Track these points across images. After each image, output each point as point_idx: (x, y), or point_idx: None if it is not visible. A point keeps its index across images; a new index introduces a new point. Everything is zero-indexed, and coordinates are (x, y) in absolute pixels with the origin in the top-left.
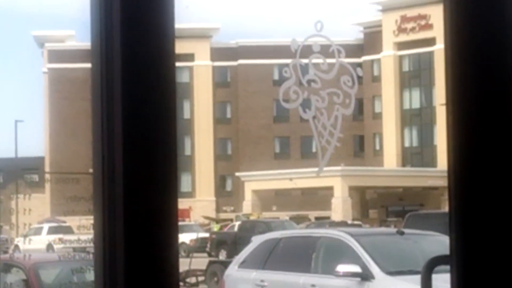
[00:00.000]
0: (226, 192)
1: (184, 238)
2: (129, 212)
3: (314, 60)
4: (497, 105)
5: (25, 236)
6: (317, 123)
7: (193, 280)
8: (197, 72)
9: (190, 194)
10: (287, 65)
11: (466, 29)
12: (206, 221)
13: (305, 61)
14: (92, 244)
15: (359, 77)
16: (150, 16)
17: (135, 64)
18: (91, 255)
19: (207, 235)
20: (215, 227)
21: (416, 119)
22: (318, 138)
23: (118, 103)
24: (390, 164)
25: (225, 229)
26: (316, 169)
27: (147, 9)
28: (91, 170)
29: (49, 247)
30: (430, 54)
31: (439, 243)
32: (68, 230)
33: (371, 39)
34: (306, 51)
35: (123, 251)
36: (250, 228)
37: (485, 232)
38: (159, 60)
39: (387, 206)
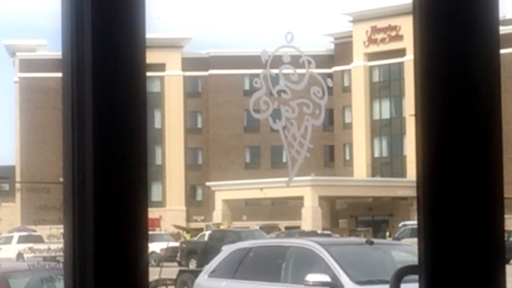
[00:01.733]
0: (197, 201)
1: (155, 247)
2: (99, 221)
3: (285, 71)
4: (466, 116)
5: None
6: (287, 134)
7: None
8: (168, 82)
9: (161, 204)
10: (257, 75)
11: (435, 40)
12: (177, 231)
13: (275, 71)
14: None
15: (329, 88)
16: (121, 26)
17: (105, 74)
18: (61, 264)
19: (177, 244)
20: (185, 236)
21: (386, 130)
22: (288, 148)
23: (88, 113)
24: (360, 174)
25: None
26: (286, 179)
27: (118, 19)
28: (61, 179)
29: (19, 256)
30: (400, 65)
31: (409, 252)
32: (38, 239)
33: (342, 50)
34: (277, 61)
35: (93, 260)
36: (220, 238)
37: (454, 242)
38: (130, 69)
39: (356, 216)
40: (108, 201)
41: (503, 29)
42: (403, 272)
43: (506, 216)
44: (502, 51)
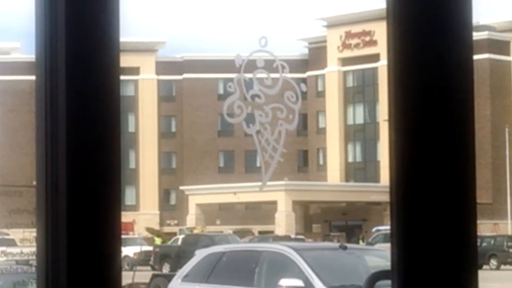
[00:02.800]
0: (170, 205)
1: (128, 251)
2: (72, 224)
3: (258, 75)
4: (439, 121)
5: None
6: (261, 138)
7: None
8: (142, 86)
9: (134, 207)
10: (231, 79)
11: (408, 46)
12: (150, 235)
13: (249, 76)
14: (35, 257)
15: (303, 93)
16: (95, 29)
17: (79, 77)
18: (33, 268)
19: (150, 248)
20: (157, 241)
21: (360, 135)
22: (262, 153)
23: (62, 116)
24: (333, 179)
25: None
26: (260, 183)
27: (92, 22)
28: (34, 183)
29: None
30: (374, 70)
31: (382, 257)
32: (10, 242)
33: (316, 55)
34: (251, 66)
35: (66, 264)
36: (193, 242)
37: (426, 247)
38: (103, 73)
39: (330, 221)
40: (81, 205)
41: (476, 35)
42: (376, 277)
43: (478, 221)
44: (475, 57)
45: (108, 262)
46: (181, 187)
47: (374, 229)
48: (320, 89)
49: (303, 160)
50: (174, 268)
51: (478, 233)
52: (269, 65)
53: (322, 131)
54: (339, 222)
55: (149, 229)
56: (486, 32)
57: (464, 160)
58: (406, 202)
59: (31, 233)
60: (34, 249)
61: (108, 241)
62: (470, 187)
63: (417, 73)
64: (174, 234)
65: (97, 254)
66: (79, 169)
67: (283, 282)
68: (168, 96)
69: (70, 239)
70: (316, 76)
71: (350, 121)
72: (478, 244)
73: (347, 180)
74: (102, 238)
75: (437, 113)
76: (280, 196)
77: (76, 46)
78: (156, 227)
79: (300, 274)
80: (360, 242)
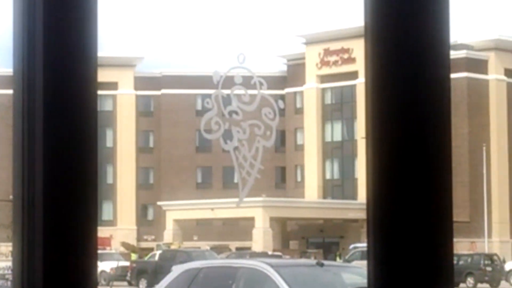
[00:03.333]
0: (148, 221)
1: (105, 266)
2: (48, 239)
3: (236, 92)
4: (416, 139)
5: None
6: (238, 154)
7: None
8: (121, 101)
9: (112, 223)
10: (209, 95)
11: (386, 63)
12: (126, 250)
13: (227, 92)
14: (10, 271)
15: (281, 109)
16: (73, 44)
17: (57, 91)
18: (9, 282)
19: (127, 263)
20: (133, 256)
21: (338, 152)
22: (239, 169)
23: (39, 130)
24: (311, 196)
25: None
26: (237, 199)
27: (70, 37)
28: (11, 197)
29: None
30: (352, 87)
31: (359, 275)
32: None
33: (295, 72)
34: (229, 82)
35: (41, 279)
36: (170, 258)
37: (403, 265)
38: (81, 87)
39: (307, 238)
40: (57, 220)
41: (454, 54)
42: None
43: (455, 239)
44: (452, 75)
45: (84, 277)
46: (159, 203)
47: (351, 246)
48: (298, 106)
49: (281, 177)
50: (151, 284)
51: (455, 251)
52: (247, 82)
53: (300, 148)
54: (316, 239)
55: (124, 244)
56: (464, 51)
57: (440, 178)
58: (382, 220)
59: (7, 247)
60: (10, 263)
61: (84, 255)
62: (446, 205)
63: (394, 91)
64: (151, 249)
65: (73, 268)
66: (55, 184)
67: None
68: (146, 111)
69: (46, 254)
70: (295, 93)
71: (328, 138)
72: (455, 262)
73: (324, 197)
74: (78, 253)
75: (414, 131)
76: (257, 212)
77: (53, 61)
78: (133, 242)
79: None
80: (337, 258)
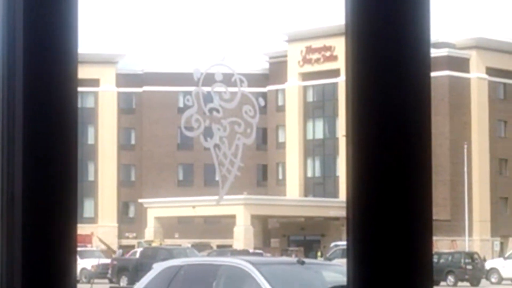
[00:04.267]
0: (129, 218)
1: (86, 263)
2: (27, 236)
3: (217, 89)
4: (396, 138)
5: None
6: (218, 152)
7: None
8: (102, 98)
9: (93, 220)
10: (190, 93)
11: (367, 62)
12: (109, 247)
13: (207, 89)
14: None
15: (263, 107)
16: (54, 40)
17: (37, 87)
18: None
19: (108, 261)
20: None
21: (319, 150)
22: (219, 167)
23: (19, 127)
24: (292, 194)
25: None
26: (217, 197)
27: (50, 33)
28: None
29: None
30: (334, 85)
31: (339, 273)
32: None
33: (277, 69)
34: (209, 79)
35: (20, 277)
36: (152, 255)
37: (382, 263)
38: (61, 84)
39: (288, 235)
40: (37, 217)
41: (436, 52)
42: None
43: (436, 238)
44: (434, 73)
45: (64, 274)
46: (140, 200)
47: (332, 244)
48: (280, 103)
49: (262, 175)
50: (132, 281)
51: (436, 250)
52: (228, 79)
53: (281, 146)
54: (298, 237)
55: (100, 241)
56: (445, 49)
57: (420, 177)
58: (362, 218)
59: None
60: None
61: (63, 253)
62: (426, 204)
63: (374, 89)
64: (133, 247)
65: (52, 266)
66: (35, 181)
67: None
68: (128, 108)
69: (25, 251)
70: (277, 91)
71: (309, 136)
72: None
73: (306, 195)
74: (57, 251)
75: (394, 129)
76: (239, 210)
77: (34, 57)
78: (115, 239)
79: None
80: (318, 256)
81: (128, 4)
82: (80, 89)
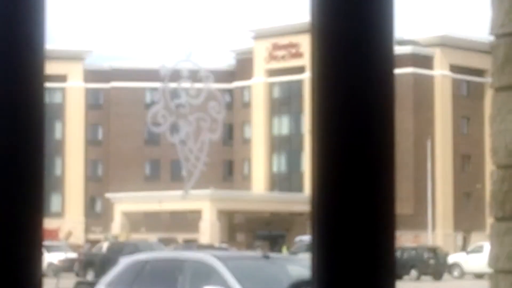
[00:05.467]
0: (96, 213)
1: (52, 258)
2: None
3: (183, 85)
4: (360, 134)
5: None
6: (184, 147)
7: None
8: (70, 93)
9: (60, 214)
10: (157, 89)
11: (331, 58)
12: (77, 242)
13: (174, 85)
14: None
15: (228, 103)
16: (21, 36)
17: (4, 84)
18: None
19: (75, 255)
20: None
21: (285, 145)
22: (185, 162)
23: None
24: (258, 189)
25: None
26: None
27: (17, 27)
28: None
29: None
30: (300, 82)
31: (304, 267)
32: None
33: (243, 66)
34: (176, 75)
35: None
36: (118, 249)
37: (345, 258)
38: (28, 79)
39: (254, 230)
40: (3, 212)
41: (400, 49)
42: (296, 286)
43: (399, 232)
44: (399, 70)
45: (30, 269)
46: (107, 195)
47: (297, 239)
48: (246, 99)
49: (229, 170)
50: (99, 275)
51: (399, 244)
52: (194, 76)
53: (247, 142)
54: (263, 232)
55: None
56: (410, 47)
57: (384, 172)
58: (325, 213)
59: None
60: None
61: (30, 247)
62: (390, 199)
63: (338, 86)
64: (99, 241)
65: (18, 260)
66: (2, 176)
67: None
68: (95, 104)
69: None
70: (243, 87)
71: (275, 132)
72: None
73: (271, 190)
74: (24, 245)
75: (358, 126)
76: (205, 205)
77: (1, 53)
78: (81, 234)
79: (223, 283)
80: (284, 251)
81: (95, 0)
82: (48, 84)
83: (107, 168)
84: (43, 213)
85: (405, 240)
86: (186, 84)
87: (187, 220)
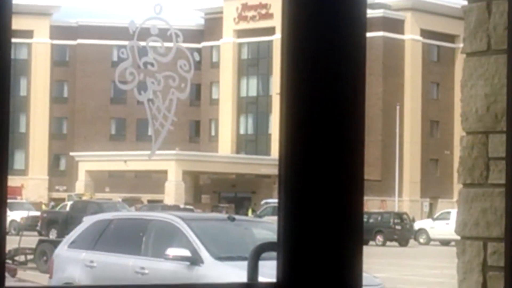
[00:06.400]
0: (60, 171)
1: (15, 215)
2: None
3: (152, 43)
4: (330, 97)
5: None
6: (152, 106)
7: (22, 258)
8: (36, 50)
9: (23, 172)
10: (124, 46)
11: (302, 20)
12: (39, 200)
13: (143, 43)
14: None
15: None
16: None
17: None
18: None
19: (38, 213)
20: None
21: (253, 107)
22: (152, 121)
23: None
24: (224, 151)
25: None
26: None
27: None
28: None
29: None
30: (269, 43)
31: (270, 230)
32: None
33: (212, 26)
34: (144, 33)
35: None
36: (82, 208)
37: (312, 221)
38: None
39: (219, 192)
40: None
41: (371, 13)
42: (262, 249)
43: (366, 197)
44: (369, 34)
45: None
46: (71, 153)
47: (263, 202)
48: (214, 60)
49: (195, 131)
50: (61, 234)
51: (366, 210)
52: (163, 34)
53: (215, 102)
54: (229, 194)
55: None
56: (381, 10)
57: (352, 136)
58: (293, 176)
59: None
60: None
61: None
62: (358, 163)
63: (309, 47)
64: (63, 200)
65: None
66: None
67: (170, 251)
68: (61, 61)
69: None
70: (211, 47)
71: (243, 93)
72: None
73: (238, 152)
74: None
75: (328, 88)
76: (170, 165)
77: None
78: (45, 192)
79: (188, 244)
80: (250, 213)
81: None
82: (13, 40)
83: (72, 126)
84: (7, 170)
85: (371, 205)
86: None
87: (152, 181)
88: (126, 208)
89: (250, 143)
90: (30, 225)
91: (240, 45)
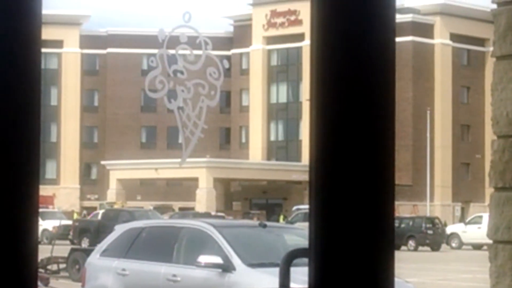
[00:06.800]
0: (91, 180)
1: (47, 225)
2: None
3: (181, 51)
4: (360, 102)
5: None
6: (182, 114)
7: (54, 267)
8: (66, 59)
9: (55, 181)
10: (154, 55)
11: (331, 26)
12: (71, 209)
13: (172, 51)
14: None
15: (226, 70)
16: (17, 1)
17: (0, 49)
18: None
19: (70, 222)
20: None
21: (283, 114)
22: (183, 129)
23: None
24: (255, 157)
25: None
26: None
27: None
28: None
29: None
30: (299, 49)
31: (301, 236)
32: None
33: (241, 33)
34: (174, 41)
35: None
36: (113, 217)
37: (344, 227)
38: (24, 44)
39: (251, 199)
40: None
41: (400, 18)
42: (294, 255)
43: (398, 202)
44: (398, 39)
45: (25, 236)
46: (103, 162)
47: (294, 208)
48: (244, 67)
49: (225, 138)
50: (93, 243)
51: (397, 214)
52: (192, 41)
53: (245, 109)
54: (260, 200)
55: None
56: (410, 15)
57: (384, 141)
58: (324, 182)
59: None
60: None
61: (25, 214)
62: (389, 168)
63: (338, 53)
64: (95, 208)
65: (14, 227)
66: None
67: (202, 258)
68: (91, 70)
69: None
70: (241, 54)
71: (273, 100)
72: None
73: (268, 159)
74: (19, 212)
75: (358, 94)
76: (201, 173)
77: None
78: (77, 201)
79: (219, 251)
80: (281, 219)
81: None
82: (43, 50)
83: (103, 134)
84: (38, 180)
85: (403, 210)
86: (184, 51)
87: (183, 188)
88: (158, 216)
89: (281, 149)
90: (62, 234)
91: (270, 51)
